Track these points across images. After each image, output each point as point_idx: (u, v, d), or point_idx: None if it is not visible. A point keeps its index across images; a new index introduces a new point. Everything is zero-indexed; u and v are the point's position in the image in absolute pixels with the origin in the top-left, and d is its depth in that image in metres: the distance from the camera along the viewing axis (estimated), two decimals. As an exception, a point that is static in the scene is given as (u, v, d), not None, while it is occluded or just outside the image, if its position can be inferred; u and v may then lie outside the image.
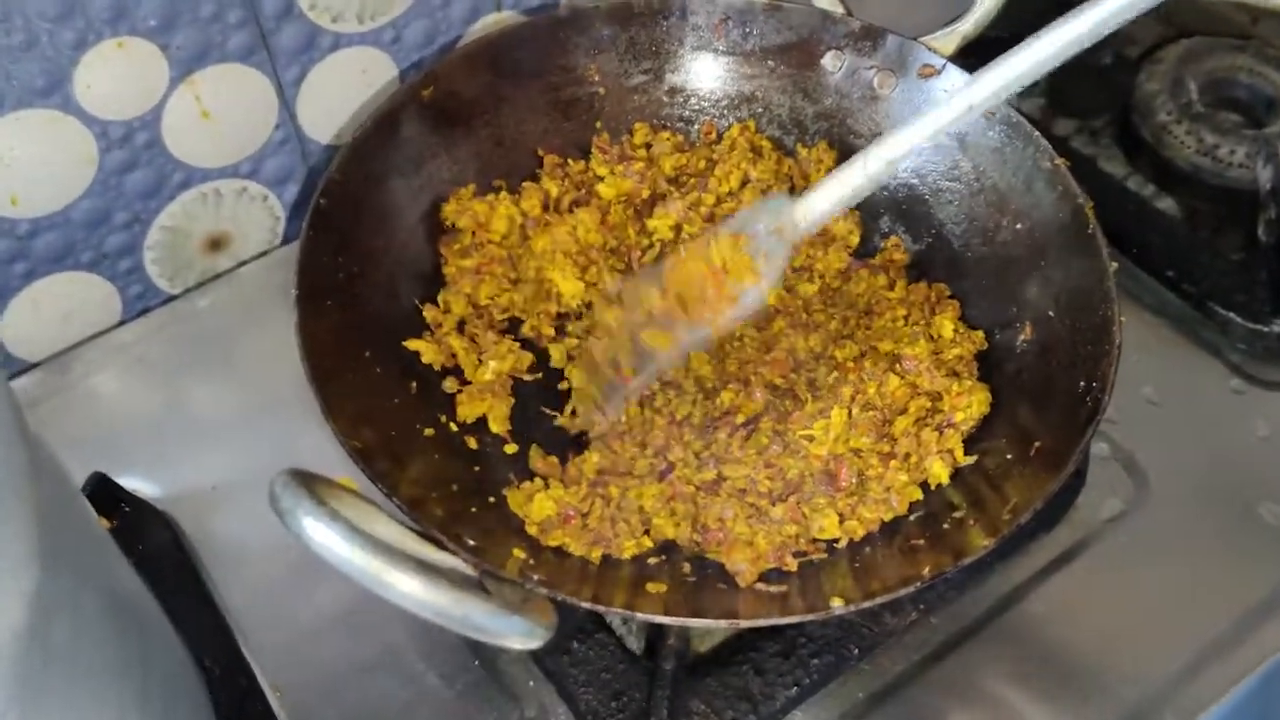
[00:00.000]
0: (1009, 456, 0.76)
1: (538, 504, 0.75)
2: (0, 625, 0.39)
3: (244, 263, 1.01)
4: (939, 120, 0.70)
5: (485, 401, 0.82)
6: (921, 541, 0.73)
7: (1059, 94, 1.13)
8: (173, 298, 0.99)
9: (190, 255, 0.97)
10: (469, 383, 0.84)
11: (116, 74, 0.83)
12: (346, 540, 0.54)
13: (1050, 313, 0.81)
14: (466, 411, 0.82)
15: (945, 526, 0.74)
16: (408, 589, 0.54)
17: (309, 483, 0.57)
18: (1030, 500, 0.69)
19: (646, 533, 0.77)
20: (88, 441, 0.88)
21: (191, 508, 0.85)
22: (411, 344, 0.83)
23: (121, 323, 0.98)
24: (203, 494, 0.86)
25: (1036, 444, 0.74)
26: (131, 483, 0.85)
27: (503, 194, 0.91)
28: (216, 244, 0.99)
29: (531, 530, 0.74)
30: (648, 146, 0.96)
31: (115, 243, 0.92)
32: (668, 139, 0.96)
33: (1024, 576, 0.82)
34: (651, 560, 0.75)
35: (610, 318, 0.79)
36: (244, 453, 0.87)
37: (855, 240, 0.93)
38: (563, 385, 0.86)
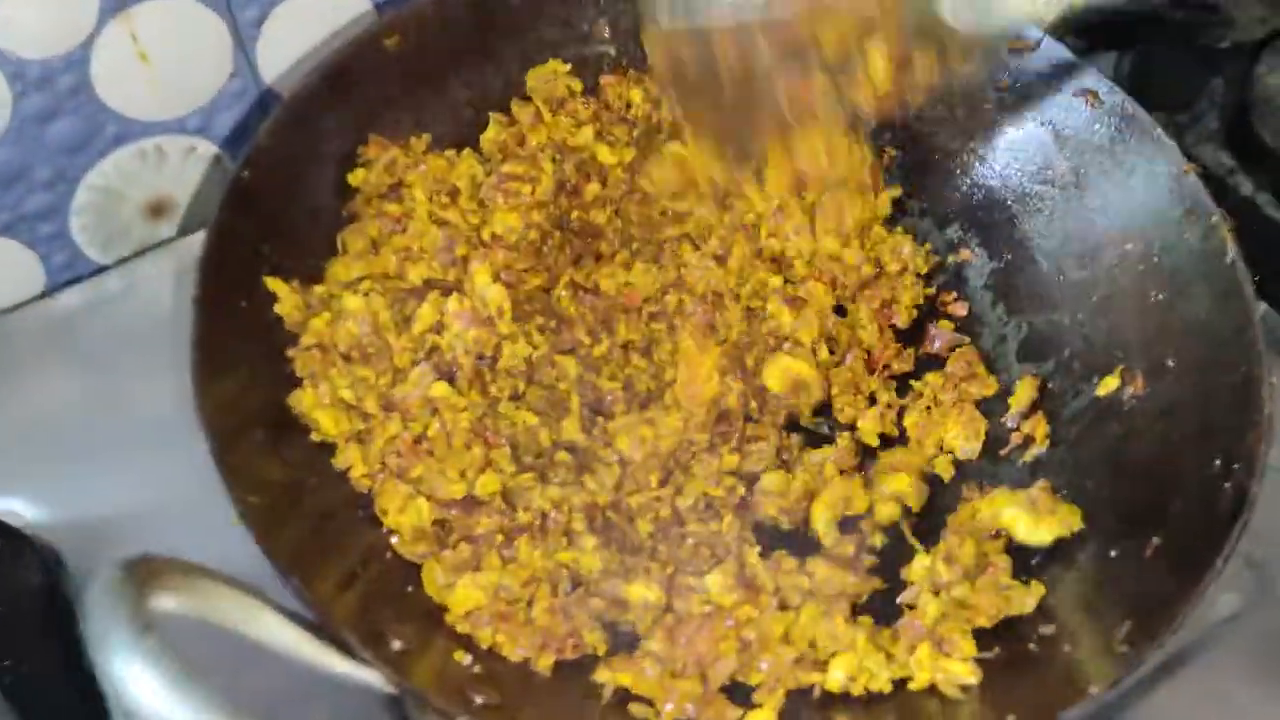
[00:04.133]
0: (1113, 554, 0.67)
1: (462, 592, 0.65)
2: None
3: (190, 232, 0.92)
4: None
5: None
6: (999, 667, 0.64)
7: (1144, 82, 0.96)
8: (104, 268, 0.92)
9: (126, 221, 0.90)
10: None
11: (35, 3, 0.75)
12: (169, 693, 0.42)
13: (1169, 362, 0.72)
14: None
15: (1031, 648, 0.64)
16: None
17: (144, 584, 0.47)
18: (1155, 625, 0.59)
19: (613, 624, 0.67)
20: (-36, 443, 0.79)
21: (83, 540, 0.76)
22: (272, 283, 0.72)
23: (42, 296, 0.90)
24: (102, 523, 0.77)
25: (1155, 540, 0.65)
26: (9, 503, 0.77)
27: (465, 152, 0.81)
28: (158, 210, 0.91)
29: (459, 626, 0.64)
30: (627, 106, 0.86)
31: (35, 203, 0.85)
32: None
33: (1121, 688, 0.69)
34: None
35: None
36: (168, 469, 0.74)
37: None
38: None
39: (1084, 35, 0.88)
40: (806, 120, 0.70)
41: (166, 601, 0.48)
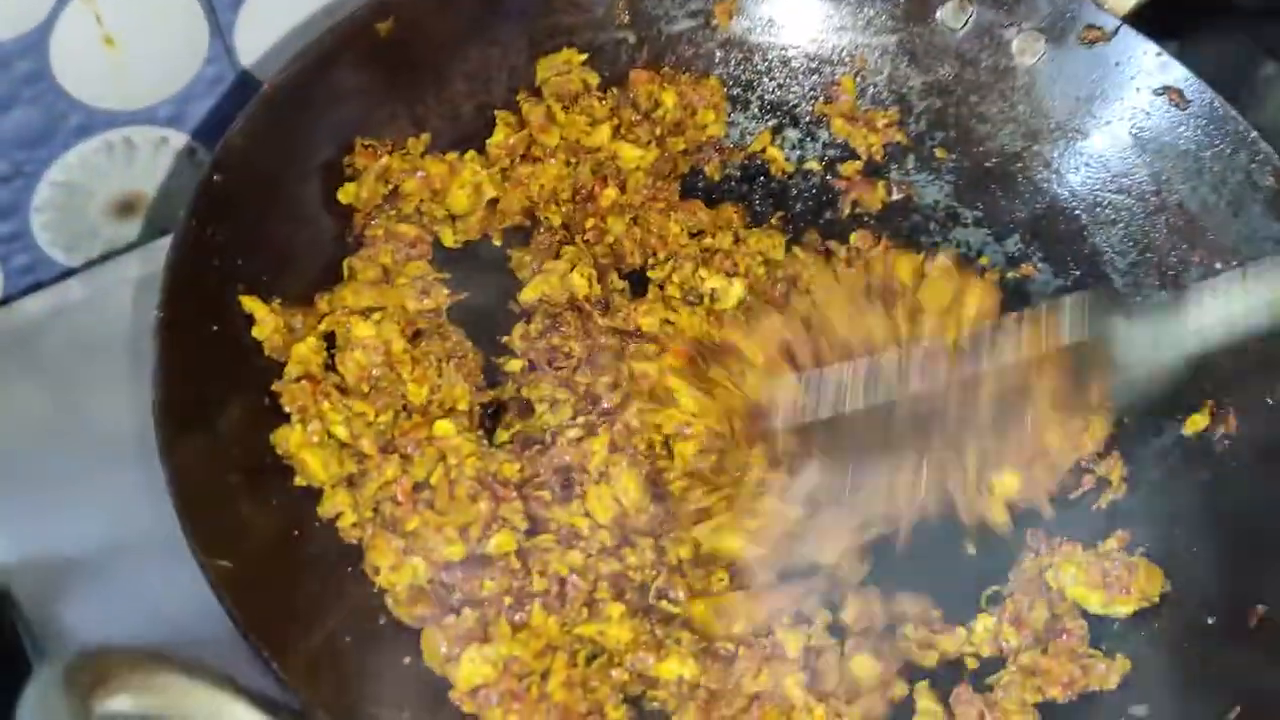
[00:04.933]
0: (1210, 621, 0.61)
1: (468, 667, 0.60)
2: None
3: (164, 231, 0.90)
4: None
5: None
6: None
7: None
8: (71, 271, 0.90)
9: (94, 220, 0.89)
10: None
11: (-13, -20, 0.74)
12: None
13: (1269, 399, 0.68)
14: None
15: None
16: None
17: (90, 694, 0.42)
18: (1265, 715, 0.55)
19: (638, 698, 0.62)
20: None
21: (42, 585, 0.73)
22: (248, 302, 0.68)
23: (2, 302, 0.88)
24: (59, 560, 0.74)
25: (1259, 609, 0.60)
26: None
27: (469, 155, 0.78)
28: (128, 207, 0.90)
29: (465, 705, 0.60)
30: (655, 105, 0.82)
31: None
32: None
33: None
34: None
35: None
36: (132, 497, 0.69)
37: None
38: None
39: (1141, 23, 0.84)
40: None
41: (119, 703, 0.44)
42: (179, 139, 0.87)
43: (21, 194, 0.84)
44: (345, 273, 0.73)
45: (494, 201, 0.78)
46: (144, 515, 0.68)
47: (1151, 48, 0.75)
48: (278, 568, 0.60)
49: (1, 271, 0.87)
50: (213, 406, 0.62)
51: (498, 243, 0.78)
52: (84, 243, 0.89)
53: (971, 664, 0.65)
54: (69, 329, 0.86)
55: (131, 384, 0.78)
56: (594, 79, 0.79)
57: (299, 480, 0.65)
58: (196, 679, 0.47)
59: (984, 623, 0.64)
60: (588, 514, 0.66)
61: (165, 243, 0.85)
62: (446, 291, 0.73)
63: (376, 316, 0.69)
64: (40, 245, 0.87)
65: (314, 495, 0.65)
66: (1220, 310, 0.62)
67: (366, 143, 0.74)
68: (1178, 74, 0.75)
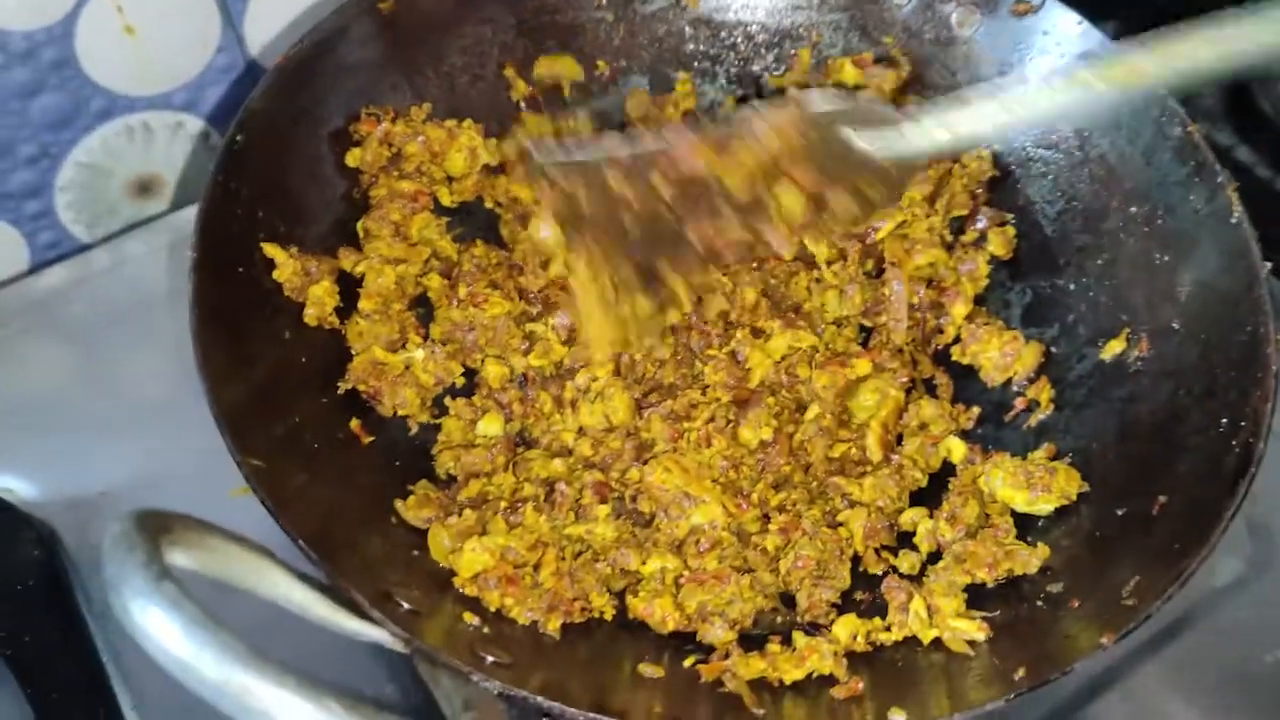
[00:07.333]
0: (1120, 512, 0.65)
1: (469, 556, 0.63)
2: None
3: (178, 209, 0.92)
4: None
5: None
6: (1007, 625, 0.62)
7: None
8: (91, 246, 0.91)
9: (113, 199, 0.91)
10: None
11: (17, -27, 0.76)
12: (190, 638, 0.39)
13: (1175, 324, 0.70)
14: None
15: (1040, 605, 0.63)
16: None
17: (157, 535, 0.45)
18: (1162, 580, 0.57)
19: (622, 593, 0.66)
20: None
21: (78, 516, 0.75)
22: (269, 248, 0.71)
23: (28, 273, 0.90)
24: (93, 500, 0.76)
25: (1160, 499, 0.64)
26: (4, 480, 0.76)
27: (466, 123, 0.80)
28: (146, 187, 0.92)
29: (467, 589, 0.63)
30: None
31: (19, 180, 0.85)
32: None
33: (1117, 656, 0.70)
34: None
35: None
36: (160, 445, 0.76)
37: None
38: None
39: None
40: (720, 261, 0.69)
41: (179, 557, 0.47)
42: (193, 123, 0.89)
43: (48, 174, 0.85)
44: (360, 234, 0.75)
45: (487, 167, 0.80)
46: (170, 461, 0.74)
47: (1074, 17, 0.77)
48: (302, 470, 0.63)
49: (28, 247, 0.89)
50: (241, 336, 0.65)
51: (488, 204, 0.80)
52: (104, 220, 0.91)
53: (910, 566, 0.67)
54: (91, 296, 0.87)
55: (151, 344, 0.82)
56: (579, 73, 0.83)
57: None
58: (243, 546, 0.51)
59: (924, 525, 0.68)
60: (582, 429, 0.69)
61: (183, 216, 0.87)
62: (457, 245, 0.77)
63: (400, 269, 0.73)
64: (64, 223, 0.89)
65: (334, 410, 0.69)
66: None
67: (370, 110, 0.76)
68: (1096, 39, 0.77)
